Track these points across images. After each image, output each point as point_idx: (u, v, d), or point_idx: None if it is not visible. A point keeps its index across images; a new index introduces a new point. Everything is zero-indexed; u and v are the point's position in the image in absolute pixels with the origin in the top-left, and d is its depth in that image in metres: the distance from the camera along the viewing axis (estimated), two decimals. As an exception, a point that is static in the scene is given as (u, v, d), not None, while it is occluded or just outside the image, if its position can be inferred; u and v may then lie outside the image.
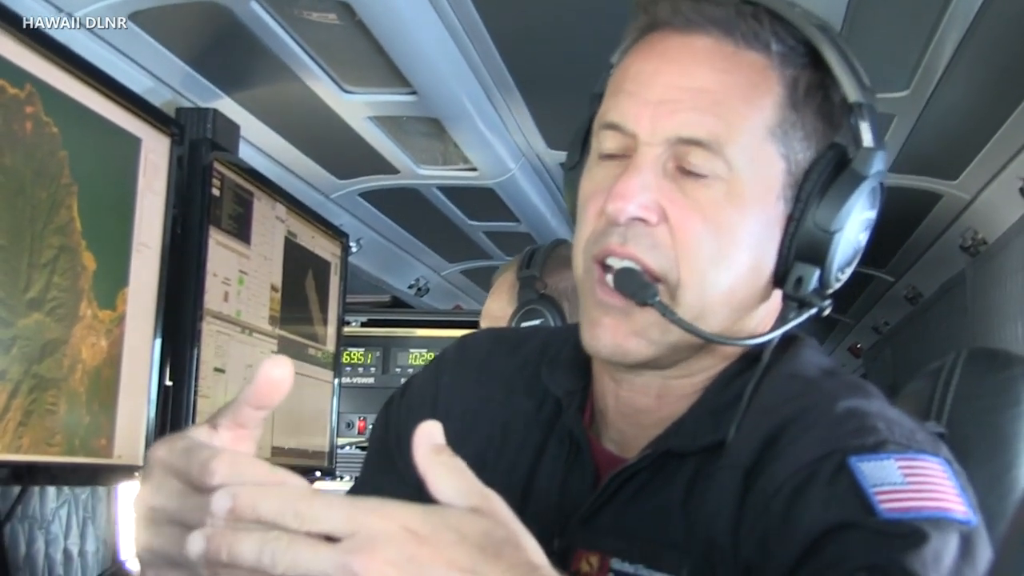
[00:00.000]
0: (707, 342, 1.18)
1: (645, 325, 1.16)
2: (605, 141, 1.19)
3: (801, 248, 1.18)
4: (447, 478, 0.84)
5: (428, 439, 0.85)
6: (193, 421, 2.20)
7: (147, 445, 2.07)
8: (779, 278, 1.20)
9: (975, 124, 2.62)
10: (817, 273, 1.18)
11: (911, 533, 1.01)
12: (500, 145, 2.91)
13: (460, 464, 0.85)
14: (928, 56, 2.22)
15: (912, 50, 2.22)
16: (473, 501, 0.83)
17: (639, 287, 1.14)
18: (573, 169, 1.30)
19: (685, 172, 1.15)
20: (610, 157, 1.19)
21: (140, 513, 0.88)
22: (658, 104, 1.15)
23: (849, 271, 1.22)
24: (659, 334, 1.16)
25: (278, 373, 0.89)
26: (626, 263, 1.15)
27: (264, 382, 0.89)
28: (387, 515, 0.80)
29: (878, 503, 1.03)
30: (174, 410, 2.18)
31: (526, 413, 1.34)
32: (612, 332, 1.17)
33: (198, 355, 2.24)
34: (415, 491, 1.36)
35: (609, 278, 1.16)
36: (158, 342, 2.11)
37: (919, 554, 0.99)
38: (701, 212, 1.14)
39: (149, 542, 0.88)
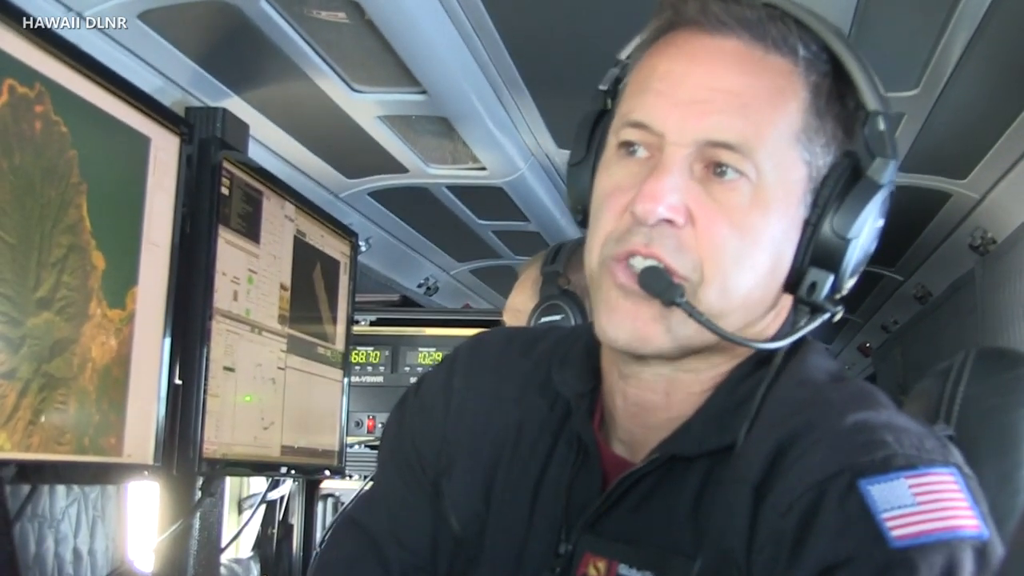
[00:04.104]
0: (724, 341, 1.18)
1: (666, 314, 1.15)
2: (628, 139, 1.19)
3: (817, 254, 1.18)
4: None
5: None
6: (203, 420, 2.20)
7: (156, 444, 2.07)
8: (792, 282, 1.20)
9: (985, 123, 2.61)
10: (831, 279, 1.19)
11: (923, 560, 1.01)
12: (509, 144, 2.91)
13: None
14: (938, 55, 2.22)
15: (921, 49, 2.22)
16: None
17: (665, 286, 1.13)
18: (578, 165, 1.29)
19: (712, 174, 1.15)
20: (631, 155, 1.19)
21: None
22: (688, 105, 1.15)
23: (856, 276, 1.22)
24: (677, 324, 1.16)
25: None
26: (650, 262, 1.15)
27: None
28: None
29: (888, 530, 1.03)
30: (183, 409, 2.18)
31: (539, 413, 1.34)
32: (632, 317, 1.17)
33: (207, 354, 2.24)
34: (432, 490, 1.37)
35: (632, 274, 1.15)
36: (167, 341, 2.12)
37: None
38: (727, 215, 1.14)
39: None
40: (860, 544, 1.03)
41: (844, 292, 1.22)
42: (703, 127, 1.14)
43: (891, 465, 1.07)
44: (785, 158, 1.16)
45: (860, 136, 1.19)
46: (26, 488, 2.17)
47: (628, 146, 1.19)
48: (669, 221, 1.14)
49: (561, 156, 3.06)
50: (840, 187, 1.18)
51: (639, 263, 1.15)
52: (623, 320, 1.17)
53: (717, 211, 1.14)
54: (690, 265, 1.14)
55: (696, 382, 1.23)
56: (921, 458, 1.08)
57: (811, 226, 1.18)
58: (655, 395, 1.24)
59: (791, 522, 1.07)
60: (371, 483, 1.49)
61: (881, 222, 1.21)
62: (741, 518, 1.11)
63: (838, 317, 1.21)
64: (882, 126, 1.17)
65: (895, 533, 1.02)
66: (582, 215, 1.28)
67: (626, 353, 1.22)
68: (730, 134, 1.13)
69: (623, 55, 1.27)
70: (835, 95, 1.19)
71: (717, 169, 1.15)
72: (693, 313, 1.13)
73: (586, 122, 1.30)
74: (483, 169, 3.13)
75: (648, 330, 1.17)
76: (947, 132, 2.67)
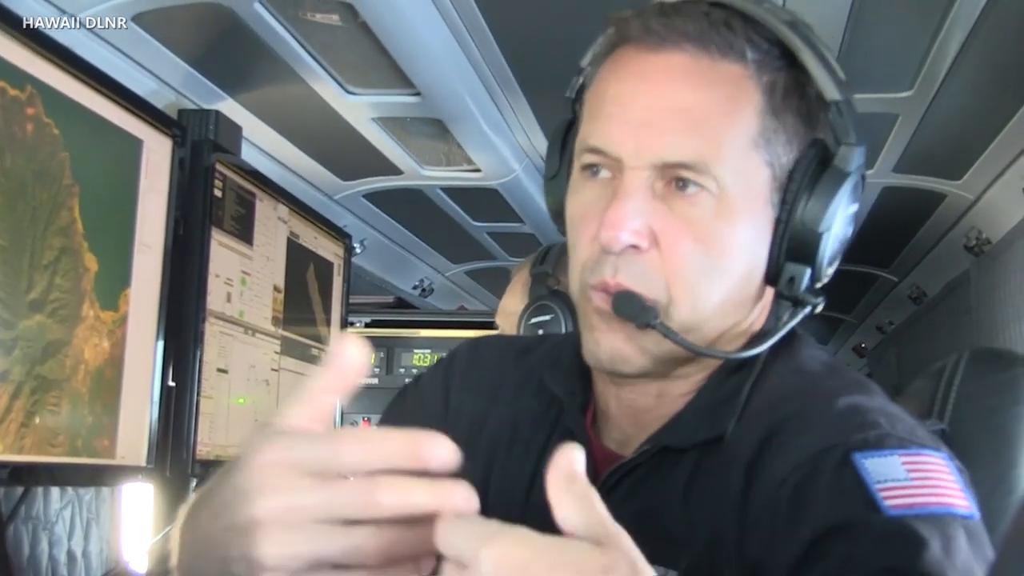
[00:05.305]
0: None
1: (640, 333, 1.16)
2: (589, 162, 1.19)
3: (791, 249, 1.19)
4: (576, 509, 0.81)
5: (565, 467, 0.82)
6: (196, 422, 2.20)
7: (150, 446, 2.07)
8: (771, 278, 1.21)
9: (979, 124, 2.61)
10: (808, 272, 1.19)
11: (918, 530, 1.00)
12: (504, 146, 2.91)
13: (591, 495, 0.81)
14: (932, 56, 2.22)
15: (916, 50, 2.22)
16: (599, 534, 0.80)
17: (639, 310, 1.14)
18: (552, 179, 1.30)
19: (673, 189, 1.15)
20: (594, 176, 1.19)
21: (272, 518, 0.81)
22: (640, 127, 1.14)
23: (836, 264, 1.23)
24: (655, 345, 1.17)
25: (352, 351, 0.85)
26: (621, 288, 1.16)
27: (340, 362, 0.85)
28: (509, 542, 0.79)
29: (883, 500, 1.03)
30: (176, 411, 2.18)
31: (534, 414, 1.35)
32: (610, 339, 1.18)
33: (200, 356, 2.24)
34: None
35: (608, 298, 1.16)
36: (160, 343, 2.11)
37: (931, 551, 0.99)
38: (692, 230, 1.15)
39: (292, 547, 0.81)
40: (856, 511, 1.03)
41: (824, 282, 1.22)
42: (657, 149, 1.13)
43: (884, 443, 1.07)
44: (745, 165, 1.15)
45: (824, 125, 1.19)
46: (19, 490, 2.17)
47: (591, 167, 1.19)
48: (634, 246, 1.14)
49: (555, 157, 3.05)
50: (807, 180, 1.18)
51: (612, 290, 1.16)
52: (602, 342, 1.19)
53: (681, 228, 1.14)
54: (657, 288, 1.15)
55: (685, 384, 1.24)
56: (912, 441, 1.09)
57: (782, 223, 1.18)
58: (646, 398, 1.25)
59: (786, 493, 1.07)
60: None
61: (855, 207, 1.22)
62: (733, 498, 1.12)
63: (819, 309, 1.22)
64: (843, 113, 1.17)
65: (888, 503, 1.02)
66: (563, 226, 1.28)
67: (612, 374, 1.23)
68: (685, 153, 1.13)
69: (583, 62, 1.28)
70: (792, 88, 1.18)
71: (678, 183, 1.14)
72: (668, 334, 1.14)
73: (557, 134, 1.31)
74: (477, 171, 3.13)
75: (626, 351, 1.18)
76: (942, 133, 2.67)
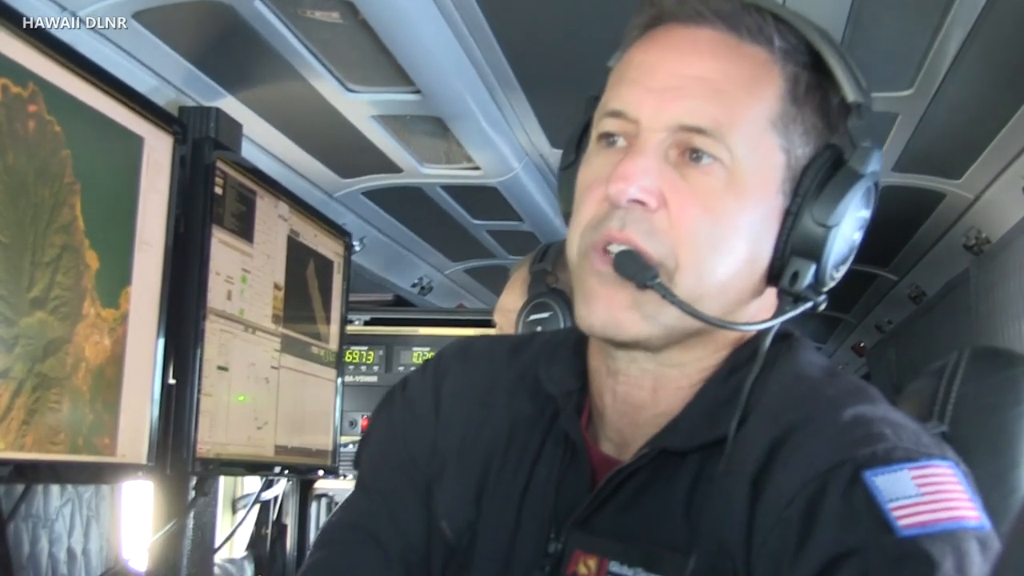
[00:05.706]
0: (704, 324, 1.17)
1: (642, 300, 1.15)
2: (606, 129, 1.20)
3: (797, 242, 1.18)
4: None
5: None
6: (196, 420, 2.20)
7: (150, 443, 2.07)
8: (775, 273, 1.21)
9: (979, 123, 2.62)
10: (813, 268, 1.19)
11: (932, 549, 1.01)
12: (504, 144, 2.91)
13: None
14: (932, 55, 2.22)
15: (916, 49, 2.22)
16: None
17: (639, 269, 1.14)
18: (567, 169, 1.30)
19: (687, 159, 1.15)
20: (610, 145, 1.20)
21: None
22: (661, 91, 1.16)
23: (844, 269, 1.23)
24: (654, 310, 1.16)
25: None
26: (624, 247, 1.15)
27: None
28: None
29: (895, 520, 1.03)
30: (177, 408, 2.18)
31: (528, 417, 1.34)
32: (608, 303, 1.17)
33: (201, 353, 2.23)
34: (425, 489, 1.36)
35: (608, 259, 1.16)
36: (161, 340, 2.11)
37: (944, 572, 0.99)
38: (701, 199, 1.15)
39: None
40: (867, 534, 1.03)
41: (830, 284, 1.22)
42: (676, 112, 1.15)
43: (893, 457, 1.07)
44: (760, 143, 1.16)
45: (843, 129, 1.20)
46: (20, 488, 2.17)
47: (608, 137, 1.20)
48: (641, 203, 1.14)
49: (555, 156, 3.06)
50: (821, 176, 1.18)
51: (615, 249, 1.16)
52: (598, 306, 1.18)
53: (691, 195, 1.15)
54: (664, 250, 1.15)
55: (683, 376, 1.23)
56: (919, 452, 1.09)
57: (791, 215, 1.18)
58: (642, 391, 1.24)
59: (795, 513, 1.07)
60: (359, 487, 1.45)
61: (865, 213, 1.22)
62: (738, 510, 1.11)
63: (822, 307, 1.21)
64: (863, 117, 1.18)
65: (902, 523, 1.02)
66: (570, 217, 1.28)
67: (606, 341, 1.22)
68: (703, 118, 1.14)
69: (611, 63, 1.28)
70: (815, 88, 1.20)
71: (692, 154, 1.15)
72: (667, 294, 1.13)
73: (577, 128, 1.31)
74: (477, 169, 3.13)
75: (622, 316, 1.17)
76: (941, 132, 2.67)
